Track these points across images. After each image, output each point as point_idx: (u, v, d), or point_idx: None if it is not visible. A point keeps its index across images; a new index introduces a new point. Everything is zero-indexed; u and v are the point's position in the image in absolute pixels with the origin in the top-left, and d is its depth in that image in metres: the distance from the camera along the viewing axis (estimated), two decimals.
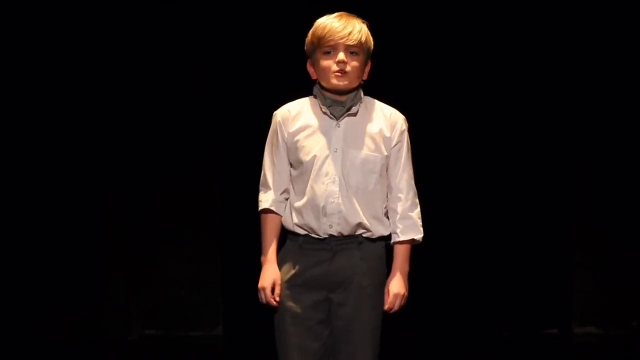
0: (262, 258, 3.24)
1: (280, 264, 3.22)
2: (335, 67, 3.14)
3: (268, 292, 3.18)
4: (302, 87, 3.33)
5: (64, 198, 6.93)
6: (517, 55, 7.01)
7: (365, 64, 3.22)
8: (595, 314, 7.04)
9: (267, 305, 3.20)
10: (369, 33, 3.22)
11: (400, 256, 3.25)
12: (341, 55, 3.14)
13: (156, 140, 7.06)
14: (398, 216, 3.23)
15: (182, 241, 7.08)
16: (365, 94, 3.27)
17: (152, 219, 7.08)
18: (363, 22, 3.21)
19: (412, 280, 7.52)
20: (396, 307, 3.23)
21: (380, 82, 6.74)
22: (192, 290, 7.07)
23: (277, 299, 3.18)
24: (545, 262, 7.11)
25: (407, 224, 3.23)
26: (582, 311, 7.05)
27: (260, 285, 3.20)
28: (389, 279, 3.23)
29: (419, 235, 3.26)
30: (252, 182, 3.49)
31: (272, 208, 3.24)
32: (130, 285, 7.08)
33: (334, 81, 3.15)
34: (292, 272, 3.19)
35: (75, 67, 6.89)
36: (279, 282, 3.19)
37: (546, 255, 7.12)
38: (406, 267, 3.26)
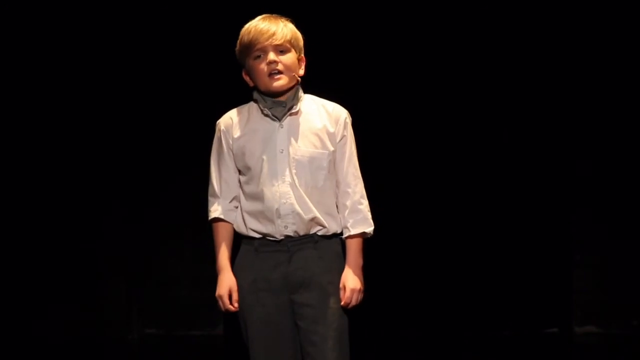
0: (217, 267, 3.25)
1: (238, 270, 3.22)
2: (268, 69, 3.15)
3: (225, 299, 3.18)
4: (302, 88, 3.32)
5: (64, 198, 6.93)
6: (518, 56, 7.01)
7: (298, 60, 3.22)
8: (596, 313, 7.04)
9: (227, 313, 3.20)
10: (295, 28, 3.21)
11: (353, 250, 3.22)
12: (271, 56, 3.14)
13: (156, 140, 7.06)
14: (348, 210, 3.22)
15: (182, 241, 7.08)
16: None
17: (152, 219, 7.08)
18: (287, 20, 3.21)
19: (414, 279, 7.52)
20: (353, 302, 3.19)
21: (382, 82, 6.75)
22: (192, 290, 7.07)
23: (236, 305, 3.18)
24: (546, 262, 7.10)
25: (357, 217, 3.22)
26: (582, 310, 7.05)
27: (217, 293, 3.21)
28: (344, 275, 3.20)
29: (369, 228, 3.24)
30: None
31: (222, 217, 3.26)
32: (130, 285, 7.08)
33: (271, 84, 3.16)
34: (252, 277, 3.18)
35: (75, 67, 6.89)
36: (235, 288, 3.19)
37: (546, 255, 7.11)
38: (360, 261, 3.23)
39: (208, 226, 3.28)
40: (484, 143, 7.10)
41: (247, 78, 3.25)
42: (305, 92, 3.26)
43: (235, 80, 7.45)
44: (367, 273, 3.26)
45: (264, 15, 3.21)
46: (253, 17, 3.28)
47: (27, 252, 6.90)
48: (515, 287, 7.09)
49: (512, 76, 7.03)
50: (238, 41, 3.21)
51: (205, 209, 3.35)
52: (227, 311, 3.20)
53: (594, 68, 6.98)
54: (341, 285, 3.19)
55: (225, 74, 7.06)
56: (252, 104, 3.26)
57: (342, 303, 3.18)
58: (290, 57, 3.16)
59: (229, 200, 3.26)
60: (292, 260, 3.17)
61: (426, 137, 7.07)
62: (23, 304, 6.91)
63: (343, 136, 3.22)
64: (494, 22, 7.00)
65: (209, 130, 7.53)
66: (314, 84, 3.35)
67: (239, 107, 3.29)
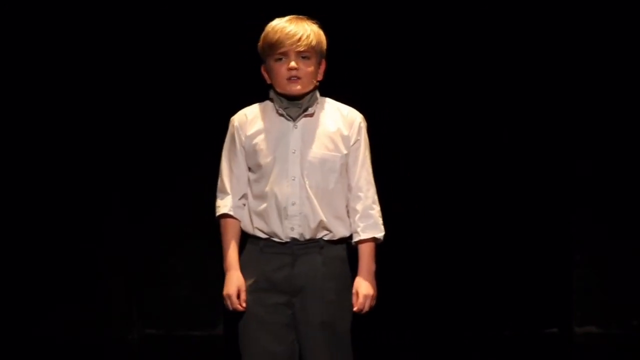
0: (225, 265, 3.25)
1: (242, 269, 3.21)
2: (287, 74, 3.14)
3: (234, 299, 3.18)
4: None
5: (65, 198, 6.93)
6: (518, 56, 7.00)
7: (319, 66, 3.22)
8: (596, 313, 7.04)
9: (234, 312, 3.20)
10: (320, 33, 3.21)
11: (366, 256, 3.22)
12: (293, 63, 3.13)
13: (157, 140, 7.06)
14: (358, 215, 3.21)
15: (182, 241, 7.08)
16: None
17: (152, 219, 7.07)
18: (314, 23, 3.21)
19: (413, 279, 7.52)
20: (366, 308, 3.20)
21: (383, 82, 6.75)
22: (192, 290, 7.07)
23: (244, 304, 3.18)
24: (545, 262, 7.10)
25: (368, 222, 3.22)
26: (582, 310, 7.05)
27: (225, 292, 3.20)
28: (356, 280, 3.21)
29: (380, 233, 3.24)
30: None
31: (231, 213, 3.24)
32: (130, 285, 7.07)
33: (288, 87, 3.16)
34: (255, 277, 3.18)
35: (76, 66, 6.89)
36: (243, 287, 3.19)
37: (546, 255, 7.11)
38: (372, 267, 3.23)
39: (215, 222, 3.27)
40: (484, 143, 7.10)
41: (265, 75, 3.24)
42: (322, 94, 3.28)
43: (234, 80, 7.47)
44: None
45: (291, 17, 3.20)
46: (253, 17, 3.27)
47: (27, 252, 6.90)
48: (515, 287, 7.09)
49: (512, 76, 7.03)
50: (262, 37, 3.20)
51: (206, 208, 3.35)
52: (235, 310, 3.19)
53: (594, 68, 6.98)
54: (354, 291, 3.19)
55: (225, 75, 7.07)
56: (267, 103, 3.26)
57: (355, 309, 3.19)
58: (311, 65, 3.17)
59: (239, 197, 3.25)
60: (295, 263, 3.16)
61: (425, 137, 7.07)
62: (23, 303, 6.90)
63: (357, 140, 3.23)
64: (493, 23, 6.99)
65: (209, 130, 7.54)
66: (330, 86, 3.35)
67: (254, 105, 3.29)
